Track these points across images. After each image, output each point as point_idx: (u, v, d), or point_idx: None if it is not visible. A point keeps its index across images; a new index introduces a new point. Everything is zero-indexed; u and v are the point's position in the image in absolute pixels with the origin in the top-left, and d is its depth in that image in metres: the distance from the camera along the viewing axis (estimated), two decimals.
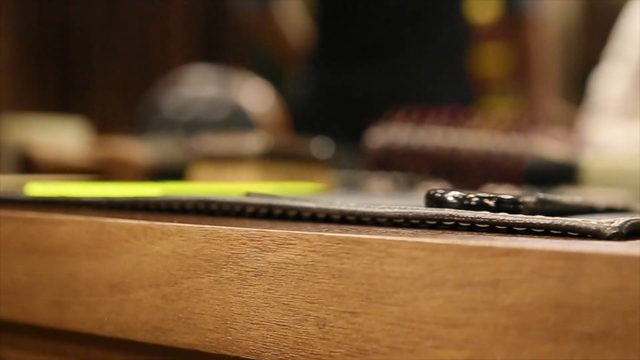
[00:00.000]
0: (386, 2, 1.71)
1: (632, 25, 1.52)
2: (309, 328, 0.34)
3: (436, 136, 0.71)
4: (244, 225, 0.37)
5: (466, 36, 1.78)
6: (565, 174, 0.67)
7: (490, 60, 2.14)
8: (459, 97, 1.63)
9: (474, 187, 0.68)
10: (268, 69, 2.62)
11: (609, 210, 0.46)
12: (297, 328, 0.35)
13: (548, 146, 0.69)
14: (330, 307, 0.34)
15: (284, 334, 0.35)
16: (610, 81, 1.53)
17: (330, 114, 1.72)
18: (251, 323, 0.36)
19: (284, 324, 0.35)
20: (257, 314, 0.36)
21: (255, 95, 2.19)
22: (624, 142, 1.41)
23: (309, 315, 0.34)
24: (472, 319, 0.30)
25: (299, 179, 0.79)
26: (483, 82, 2.06)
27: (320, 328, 0.34)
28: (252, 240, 0.36)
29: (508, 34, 1.87)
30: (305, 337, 0.34)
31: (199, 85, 2.24)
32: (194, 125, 1.91)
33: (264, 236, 0.36)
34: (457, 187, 0.58)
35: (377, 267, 0.32)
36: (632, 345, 0.28)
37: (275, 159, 0.79)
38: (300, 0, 1.96)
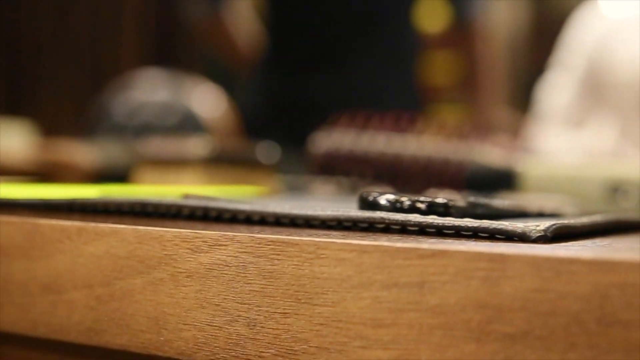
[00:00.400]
0: (336, 8, 1.72)
1: (576, 36, 1.55)
2: (239, 329, 0.34)
3: (379, 142, 0.71)
4: (178, 227, 0.37)
5: (415, 44, 1.79)
6: (505, 180, 0.68)
7: (439, 68, 2.16)
8: (407, 104, 1.64)
9: (416, 192, 0.69)
10: (219, 74, 2.62)
11: (540, 214, 0.47)
12: (228, 329, 0.35)
13: (489, 153, 0.70)
14: (261, 308, 0.34)
15: (215, 334, 0.35)
16: (555, 90, 1.56)
17: (280, 119, 1.72)
18: (183, 324, 0.36)
19: (215, 324, 0.35)
20: (189, 314, 0.36)
21: (206, 100, 2.18)
22: (568, 150, 1.43)
23: (240, 316, 0.34)
24: (398, 320, 0.31)
25: (244, 183, 0.79)
26: (431, 90, 2.08)
27: (250, 329, 0.34)
28: (185, 241, 0.36)
29: (456, 42, 1.89)
30: (236, 338, 0.35)
31: (150, 90, 2.23)
32: (144, 130, 1.90)
33: (196, 237, 0.36)
34: (399, 192, 0.58)
35: (307, 268, 0.33)
36: (552, 345, 0.28)
37: (220, 163, 0.79)
38: (251, 6, 1.96)
